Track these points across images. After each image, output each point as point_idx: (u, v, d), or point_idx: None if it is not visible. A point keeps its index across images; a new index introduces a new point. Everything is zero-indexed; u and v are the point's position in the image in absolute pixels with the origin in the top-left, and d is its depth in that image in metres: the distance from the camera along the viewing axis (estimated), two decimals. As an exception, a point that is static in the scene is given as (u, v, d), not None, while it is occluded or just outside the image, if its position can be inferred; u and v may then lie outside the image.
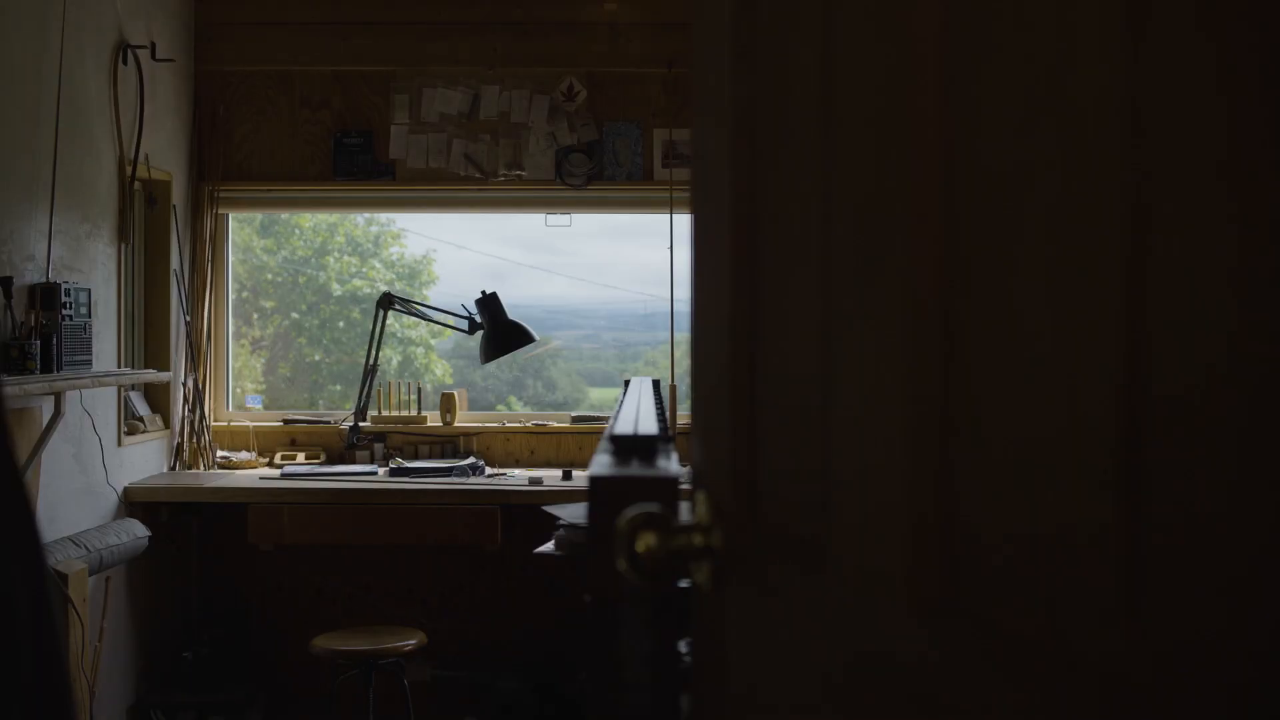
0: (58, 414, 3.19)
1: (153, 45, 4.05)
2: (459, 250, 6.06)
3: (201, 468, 4.30)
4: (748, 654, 0.99)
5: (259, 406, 4.82)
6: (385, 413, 4.52)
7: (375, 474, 4.17)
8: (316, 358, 5.85)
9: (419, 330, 6.21)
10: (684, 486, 1.09)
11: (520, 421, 4.61)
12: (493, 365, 4.79)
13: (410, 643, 3.71)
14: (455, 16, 4.49)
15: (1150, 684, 0.56)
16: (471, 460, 4.26)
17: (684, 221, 4.26)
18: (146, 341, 4.20)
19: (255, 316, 5.45)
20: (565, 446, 4.54)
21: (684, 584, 1.09)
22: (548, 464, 4.49)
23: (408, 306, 4.48)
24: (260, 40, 4.49)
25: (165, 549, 4.05)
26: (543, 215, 4.63)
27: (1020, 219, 0.66)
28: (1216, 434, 0.53)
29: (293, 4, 4.50)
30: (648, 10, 4.47)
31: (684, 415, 4.08)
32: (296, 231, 6.32)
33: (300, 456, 4.44)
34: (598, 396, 6.30)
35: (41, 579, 0.95)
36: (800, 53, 0.93)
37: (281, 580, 4.30)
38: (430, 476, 4.09)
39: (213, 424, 4.44)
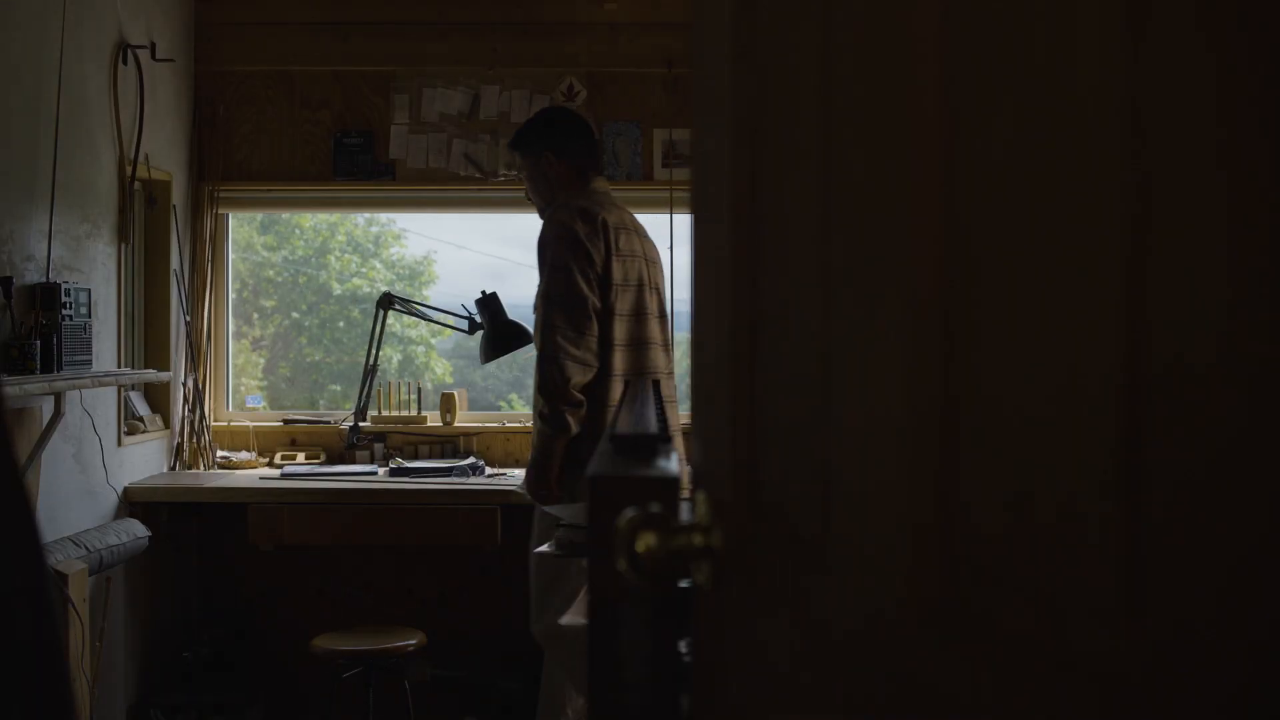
0: (58, 414, 3.19)
1: (153, 45, 4.05)
2: (459, 250, 6.07)
3: (201, 468, 4.30)
4: (748, 654, 0.99)
5: (259, 406, 4.82)
6: (385, 413, 4.52)
7: (375, 474, 4.17)
8: (316, 358, 5.85)
9: (419, 330, 6.21)
10: (684, 486, 1.09)
11: (520, 421, 4.60)
12: (493, 365, 4.78)
13: (410, 643, 3.71)
14: (455, 16, 4.49)
15: (1150, 684, 0.56)
16: (471, 460, 4.26)
17: (684, 221, 4.26)
18: (146, 341, 4.20)
19: (255, 316, 5.45)
20: (565, 446, 4.53)
21: (684, 584, 1.09)
22: (548, 464, 4.48)
23: (408, 306, 4.48)
24: (260, 40, 4.49)
25: (165, 549, 4.05)
26: (543, 215, 4.62)
27: (1020, 219, 0.66)
28: (1216, 434, 0.53)
29: (293, 4, 4.49)
30: (648, 10, 4.47)
31: (684, 415, 4.08)
32: (297, 231, 6.32)
33: (300, 456, 4.44)
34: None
35: (41, 579, 0.95)
36: (800, 53, 0.93)
37: (281, 580, 4.29)
38: (430, 476, 4.09)
39: (213, 424, 4.44)
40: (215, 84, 4.48)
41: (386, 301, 4.34)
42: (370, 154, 4.48)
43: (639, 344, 3.24)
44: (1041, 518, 0.63)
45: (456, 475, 4.10)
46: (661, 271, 3.46)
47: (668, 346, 3.36)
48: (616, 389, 3.15)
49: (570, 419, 3.11)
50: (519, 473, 4.22)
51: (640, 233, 3.37)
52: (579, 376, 3.10)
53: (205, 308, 4.43)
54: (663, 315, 3.35)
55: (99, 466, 3.68)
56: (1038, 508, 0.64)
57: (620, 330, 3.20)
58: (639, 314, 3.24)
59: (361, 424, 4.40)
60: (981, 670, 0.68)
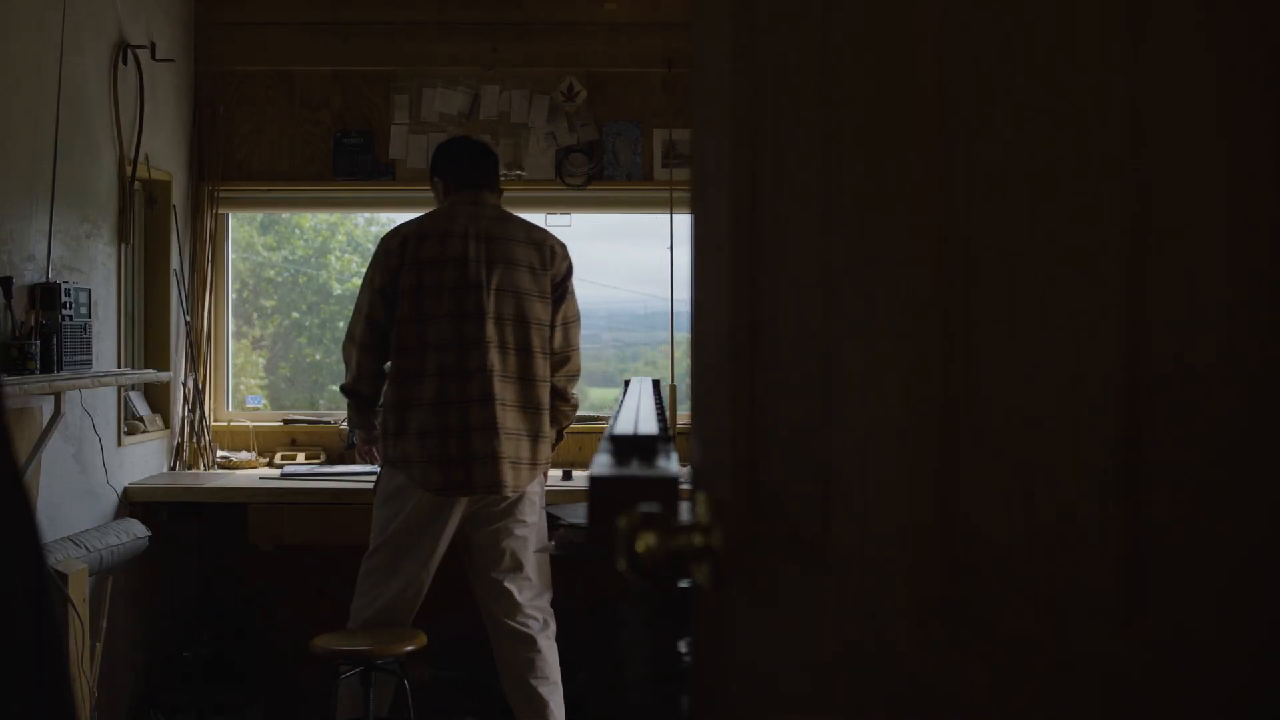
0: (58, 414, 3.19)
1: (153, 45, 4.05)
2: (459, 250, 6.05)
3: (201, 468, 4.30)
4: (748, 654, 0.99)
5: (259, 406, 4.82)
6: (385, 413, 4.52)
7: (375, 474, 4.16)
8: (317, 358, 5.85)
9: (419, 330, 6.19)
10: (684, 486, 1.09)
11: (520, 421, 4.60)
12: (493, 365, 4.78)
13: (410, 643, 3.71)
14: (455, 16, 4.49)
15: (1150, 684, 0.56)
16: (471, 460, 4.25)
17: (684, 221, 4.26)
18: (146, 341, 4.20)
19: (255, 316, 5.45)
20: (565, 446, 4.53)
21: (684, 584, 1.09)
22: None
23: (408, 306, 4.47)
24: (260, 40, 4.49)
25: (165, 549, 4.05)
26: (543, 215, 4.63)
27: (1020, 219, 0.66)
28: (1216, 434, 0.53)
29: (293, 4, 4.49)
30: (648, 10, 4.47)
31: (684, 415, 4.07)
32: (297, 231, 6.32)
33: (300, 456, 4.44)
34: (598, 396, 6.30)
35: (41, 579, 0.95)
36: (800, 53, 0.93)
37: (281, 580, 4.29)
38: (430, 476, 4.09)
39: (213, 424, 4.44)
40: (215, 84, 4.48)
41: (386, 301, 4.33)
42: (370, 154, 4.48)
43: (438, 347, 3.29)
44: (1041, 518, 0.63)
45: (456, 475, 4.09)
46: (524, 271, 3.40)
47: (485, 345, 3.30)
48: (389, 391, 3.39)
49: (351, 411, 3.59)
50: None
51: (473, 235, 3.37)
52: (347, 378, 3.51)
53: (205, 308, 4.43)
54: (489, 316, 3.32)
55: (99, 466, 3.67)
56: (1038, 508, 0.64)
57: (400, 336, 3.34)
58: (445, 317, 3.30)
59: (362, 424, 4.39)
60: (981, 670, 0.68)
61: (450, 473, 3.26)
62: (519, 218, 3.53)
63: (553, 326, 3.44)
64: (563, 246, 3.51)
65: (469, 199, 3.47)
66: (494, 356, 3.30)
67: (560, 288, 3.46)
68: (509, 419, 3.30)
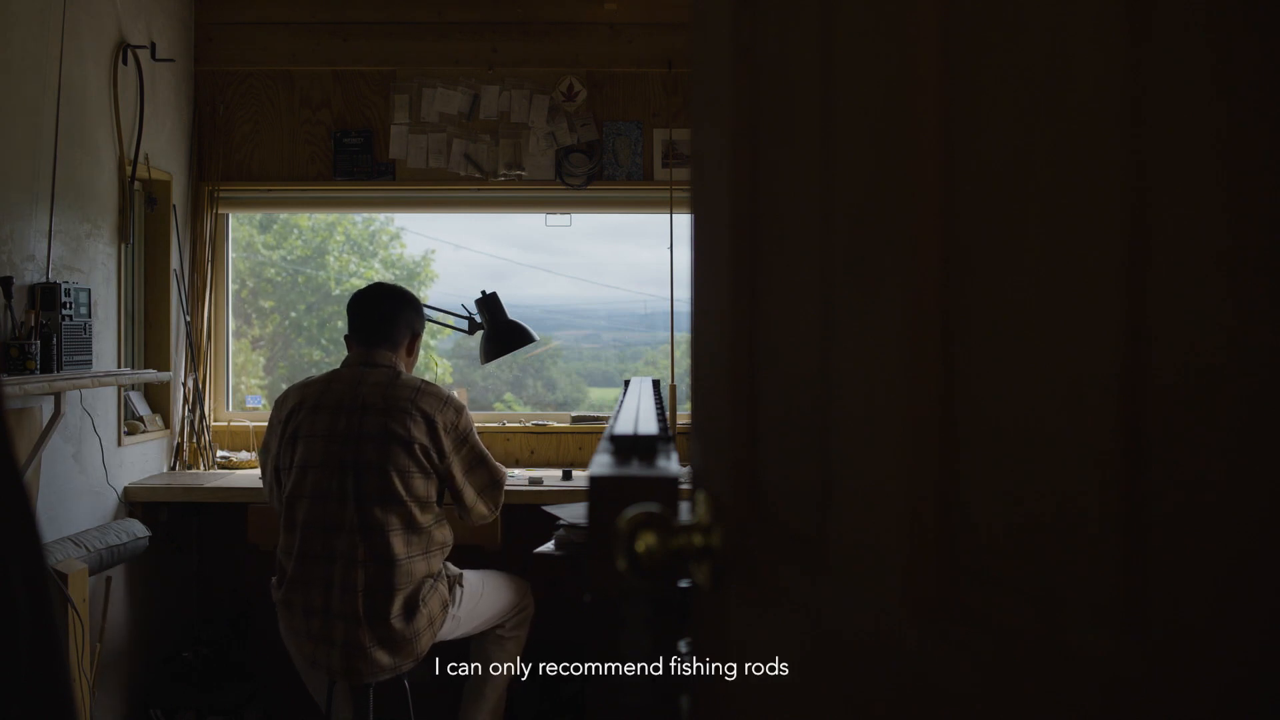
0: (58, 414, 3.19)
1: (153, 45, 4.05)
2: (459, 250, 6.07)
3: (201, 468, 4.30)
4: (747, 653, 0.99)
5: (259, 406, 4.82)
6: (385, 413, 4.51)
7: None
8: (316, 357, 5.85)
9: (419, 330, 6.20)
10: (684, 486, 1.09)
11: (520, 421, 4.60)
12: (493, 365, 4.78)
13: (410, 643, 3.70)
14: (455, 16, 4.49)
15: (1150, 684, 0.56)
16: (471, 460, 4.25)
17: (684, 221, 4.26)
18: (146, 341, 4.20)
19: (254, 316, 5.45)
20: (565, 446, 4.54)
21: (684, 584, 1.09)
22: (548, 464, 4.49)
23: (407, 306, 4.47)
24: (260, 40, 4.49)
25: (165, 549, 4.05)
26: (543, 215, 4.63)
27: (1020, 217, 0.66)
28: (1216, 433, 0.53)
29: (293, 4, 4.50)
30: (648, 10, 4.47)
31: (684, 415, 4.08)
32: (295, 231, 6.32)
33: (300, 456, 4.43)
34: (598, 396, 6.31)
35: (41, 579, 0.95)
36: (800, 53, 0.93)
37: (281, 580, 4.29)
38: (430, 476, 4.08)
39: (213, 424, 4.44)
40: (215, 84, 4.48)
41: (386, 301, 4.33)
42: (370, 154, 4.49)
43: (315, 526, 3.06)
44: (1041, 517, 0.63)
45: (456, 475, 4.08)
46: (399, 448, 3.08)
47: (348, 529, 3.04)
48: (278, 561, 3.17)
49: None
50: (520, 473, 4.24)
51: (347, 407, 3.12)
52: None
53: (205, 308, 4.43)
54: (349, 498, 3.05)
55: (99, 466, 3.68)
56: (1037, 507, 0.64)
57: (294, 513, 3.11)
58: (319, 496, 3.06)
59: (361, 424, 4.38)
60: (981, 669, 0.68)
61: (318, 653, 3.10)
62: (410, 379, 3.21)
63: (460, 490, 3.18)
64: (456, 409, 3.18)
65: (359, 359, 3.27)
66: (357, 540, 3.04)
67: (463, 441, 3.18)
68: (368, 606, 3.04)
